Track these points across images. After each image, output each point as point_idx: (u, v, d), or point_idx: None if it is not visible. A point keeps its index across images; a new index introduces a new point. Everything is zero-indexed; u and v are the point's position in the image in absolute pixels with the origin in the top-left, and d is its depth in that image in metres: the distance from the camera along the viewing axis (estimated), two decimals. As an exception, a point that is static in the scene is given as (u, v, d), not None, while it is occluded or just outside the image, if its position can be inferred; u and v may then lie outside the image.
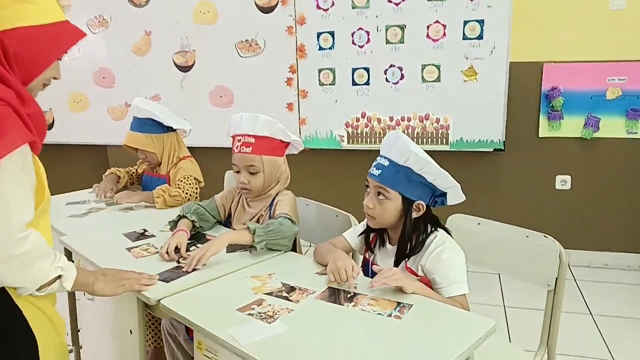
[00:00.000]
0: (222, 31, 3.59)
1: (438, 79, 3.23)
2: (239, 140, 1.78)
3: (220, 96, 3.71)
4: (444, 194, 1.50)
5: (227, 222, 1.97)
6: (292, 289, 1.41)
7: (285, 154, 1.88)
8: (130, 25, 3.79)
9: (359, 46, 3.33)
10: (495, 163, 3.38)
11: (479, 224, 1.78)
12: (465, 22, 3.09)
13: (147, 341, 2.06)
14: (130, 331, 1.50)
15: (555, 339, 1.60)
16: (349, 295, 1.36)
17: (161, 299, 1.35)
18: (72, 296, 2.01)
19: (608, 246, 3.34)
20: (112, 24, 3.85)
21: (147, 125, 2.32)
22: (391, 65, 3.30)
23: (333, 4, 3.31)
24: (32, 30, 1.10)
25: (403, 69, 3.28)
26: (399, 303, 1.31)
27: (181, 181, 2.29)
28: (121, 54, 3.86)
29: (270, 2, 3.44)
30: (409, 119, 3.34)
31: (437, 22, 3.15)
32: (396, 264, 1.51)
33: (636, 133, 3.13)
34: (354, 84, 3.40)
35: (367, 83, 3.37)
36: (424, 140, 3.33)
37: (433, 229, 1.52)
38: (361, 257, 1.69)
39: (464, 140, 3.26)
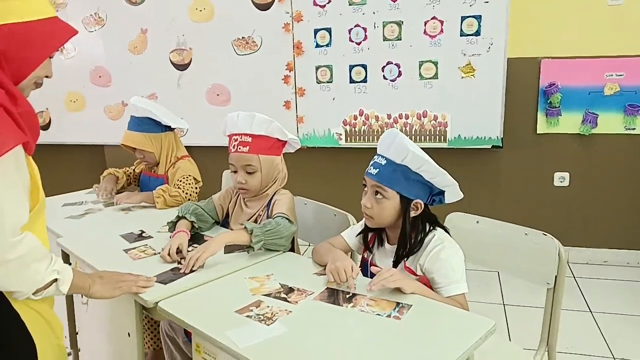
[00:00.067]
0: (219, 29, 3.57)
1: (436, 76, 3.22)
2: (236, 140, 1.77)
3: (217, 94, 3.70)
4: (442, 192, 1.49)
5: (224, 223, 1.96)
6: (291, 290, 1.40)
7: (282, 153, 1.87)
8: (126, 23, 3.78)
9: (356, 43, 3.32)
10: (493, 160, 3.37)
11: (477, 222, 1.77)
12: (463, 18, 3.08)
13: (145, 343, 2.05)
14: (128, 334, 1.48)
15: (556, 338, 1.60)
16: (347, 296, 1.35)
17: (159, 302, 1.34)
18: (70, 299, 2.00)
19: (607, 243, 3.34)
20: (107, 22, 3.83)
21: (145, 124, 2.31)
22: (388, 62, 3.29)
23: (330, 0, 3.30)
24: (20, 26, 1.08)
25: (400, 65, 3.27)
26: (398, 303, 1.30)
27: (180, 181, 2.28)
28: (117, 52, 3.85)
29: None
30: (406, 117, 3.33)
31: (434, 18, 3.14)
32: (395, 264, 1.51)
33: (634, 129, 3.13)
34: (352, 81, 3.39)
35: (365, 80, 3.36)
36: (422, 137, 3.32)
37: (431, 228, 1.51)
38: (360, 257, 1.68)
39: (462, 138, 3.25)
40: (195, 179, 2.33)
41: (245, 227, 1.62)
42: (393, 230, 1.53)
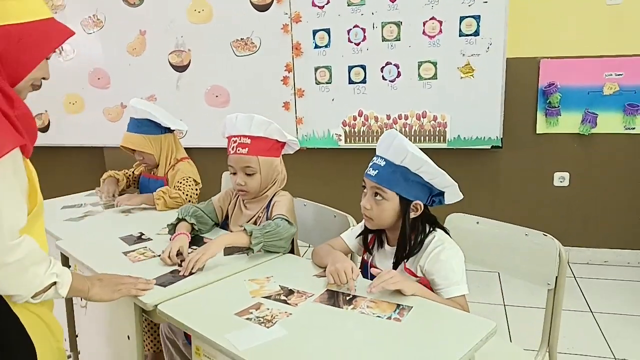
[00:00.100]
0: (217, 30, 3.57)
1: (435, 76, 3.21)
2: (235, 142, 1.76)
3: (216, 96, 3.69)
4: (441, 193, 1.48)
5: (224, 224, 1.95)
6: (291, 292, 1.40)
7: (281, 154, 1.86)
8: (125, 25, 3.78)
9: (355, 44, 3.32)
10: (493, 160, 3.37)
11: (477, 223, 1.77)
12: (462, 19, 3.08)
13: (145, 346, 2.04)
14: (128, 337, 1.48)
15: (557, 338, 1.59)
16: (348, 298, 1.34)
17: (158, 304, 1.34)
18: (69, 302, 1.99)
19: (608, 243, 3.33)
20: (106, 24, 3.83)
21: (145, 126, 2.30)
22: (387, 63, 3.29)
23: (328, 1, 3.30)
24: (16, 28, 1.07)
25: (399, 66, 3.26)
26: (398, 305, 1.29)
27: (180, 183, 2.28)
28: (116, 54, 3.85)
29: (265, 0, 3.42)
30: (406, 117, 3.33)
31: (433, 18, 3.13)
32: (395, 265, 1.50)
33: (634, 128, 3.12)
34: (351, 82, 3.38)
35: (364, 81, 3.36)
36: (422, 138, 3.32)
37: (431, 229, 1.51)
38: (359, 259, 1.68)
39: (461, 138, 3.25)
40: (195, 180, 2.33)
41: (244, 229, 1.61)
42: (393, 231, 1.52)
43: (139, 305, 1.38)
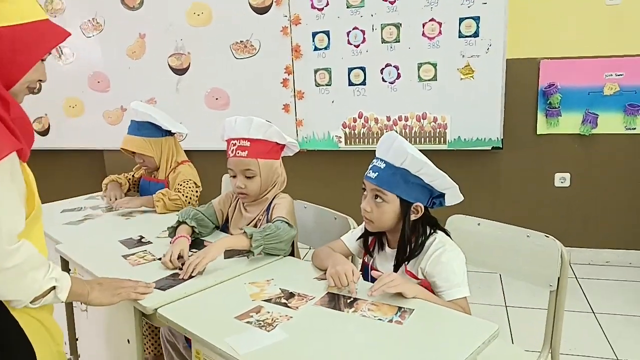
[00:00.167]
0: (217, 33, 3.57)
1: (435, 78, 3.21)
2: (234, 144, 1.76)
3: (216, 98, 3.69)
4: (442, 195, 1.48)
5: (224, 227, 1.95)
6: (291, 295, 1.39)
7: (281, 157, 1.86)
8: (124, 28, 3.78)
9: (355, 46, 3.32)
10: (493, 161, 3.36)
11: (479, 224, 1.76)
12: (461, 20, 3.08)
13: (146, 349, 2.04)
14: (128, 340, 1.47)
15: (559, 340, 1.59)
16: (348, 301, 1.34)
17: (158, 308, 1.33)
18: (69, 305, 1.99)
19: (609, 243, 3.32)
20: (105, 27, 3.83)
21: (145, 128, 2.30)
22: (387, 65, 3.28)
23: (328, 3, 3.29)
24: (10, 29, 1.06)
25: (399, 68, 3.26)
26: (399, 308, 1.29)
27: (180, 185, 2.28)
28: (115, 57, 3.85)
29: (264, 3, 3.42)
30: (406, 119, 3.33)
31: (432, 20, 3.13)
32: (396, 268, 1.50)
33: (634, 129, 3.12)
34: (350, 84, 3.38)
35: (364, 83, 3.35)
36: (422, 139, 3.31)
37: (432, 231, 1.50)
38: (360, 261, 1.67)
39: (461, 139, 3.24)
40: (195, 183, 2.32)
41: (244, 232, 1.61)
42: (393, 234, 1.52)
43: (139, 309, 1.38)
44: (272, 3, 3.40)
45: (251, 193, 1.78)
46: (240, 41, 3.54)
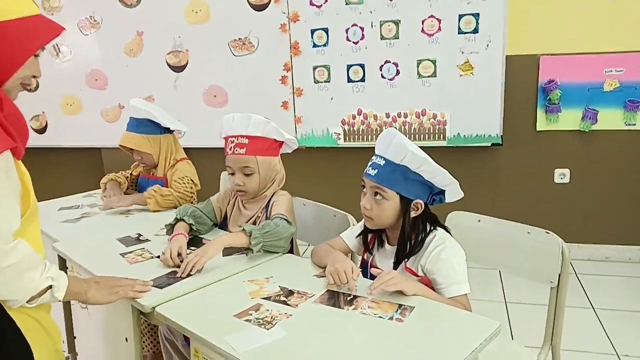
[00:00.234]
0: (215, 30, 3.55)
1: (434, 74, 3.20)
2: (232, 142, 1.75)
3: (214, 96, 3.68)
4: (442, 192, 1.47)
5: (223, 225, 1.94)
6: (291, 292, 1.38)
7: (279, 154, 1.85)
8: (122, 26, 3.76)
9: (354, 42, 3.30)
10: (493, 158, 3.35)
11: (479, 221, 1.75)
12: (461, 16, 3.07)
13: (145, 347, 2.03)
14: (126, 339, 1.46)
15: (560, 336, 1.58)
16: (348, 299, 1.33)
17: (156, 306, 1.32)
18: (67, 304, 1.98)
19: (609, 239, 3.32)
20: (103, 25, 3.81)
21: (144, 125, 2.29)
22: (386, 61, 3.27)
23: (326, 0, 3.27)
24: (1, 25, 1.05)
25: (398, 64, 3.25)
26: (400, 305, 1.28)
27: (176, 181, 2.26)
28: (113, 55, 3.83)
29: (262, 0, 3.40)
30: (405, 115, 3.32)
31: (431, 16, 3.12)
32: (396, 265, 1.49)
33: (634, 125, 3.11)
34: (349, 80, 3.37)
35: (363, 80, 3.34)
36: (421, 136, 3.30)
37: (432, 228, 1.49)
38: (359, 259, 1.66)
39: (461, 136, 3.23)
40: (192, 180, 2.31)
41: (243, 229, 1.59)
42: (393, 231, 1.51)
43: (137, 308, 1.37)
44: (270, 0, 3.38)
45: (250, 190, 1.77)
46: (239, 38, 3.52)
